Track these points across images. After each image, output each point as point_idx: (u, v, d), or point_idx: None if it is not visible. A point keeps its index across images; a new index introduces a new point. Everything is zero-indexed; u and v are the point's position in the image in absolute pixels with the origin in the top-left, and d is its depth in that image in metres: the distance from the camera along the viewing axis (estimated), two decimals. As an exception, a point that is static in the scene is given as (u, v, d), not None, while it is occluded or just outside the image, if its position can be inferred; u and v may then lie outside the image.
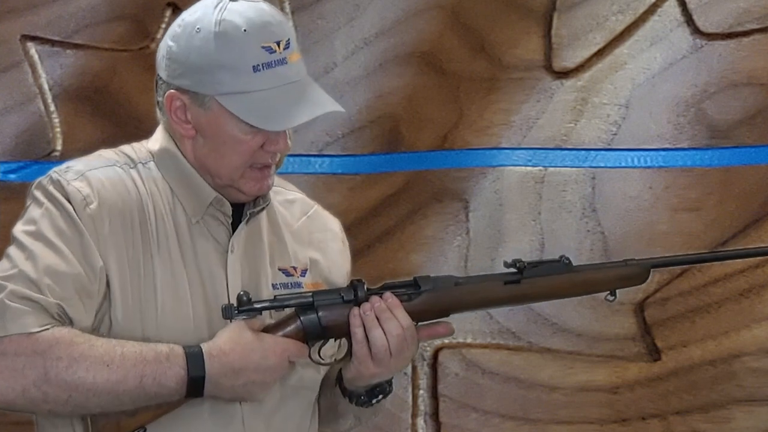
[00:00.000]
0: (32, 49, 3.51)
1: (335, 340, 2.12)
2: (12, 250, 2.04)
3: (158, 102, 2.13)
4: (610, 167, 3.47)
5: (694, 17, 3.45)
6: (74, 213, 2.04)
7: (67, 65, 3.52)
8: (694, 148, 3.46)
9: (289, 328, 2.07)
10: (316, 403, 2.22)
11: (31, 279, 1.99)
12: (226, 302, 2.07)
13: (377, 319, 2.08)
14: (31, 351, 1.97)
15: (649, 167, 3.46)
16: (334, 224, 2.30)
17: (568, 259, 2.21)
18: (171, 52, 2.10)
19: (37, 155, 3.50)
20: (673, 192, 3.46)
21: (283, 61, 2.06)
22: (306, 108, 2.07)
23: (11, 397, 2.00)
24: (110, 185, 2.07)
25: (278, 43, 2.06)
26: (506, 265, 2.19)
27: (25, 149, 3.50)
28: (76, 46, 3.51)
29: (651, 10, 3.48)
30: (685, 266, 3.43)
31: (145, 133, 3.68)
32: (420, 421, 3.48)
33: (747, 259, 3.42)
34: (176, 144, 2.13)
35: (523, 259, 2.20)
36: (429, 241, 3.50)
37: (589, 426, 3.46)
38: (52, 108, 3.51)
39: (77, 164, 2.11)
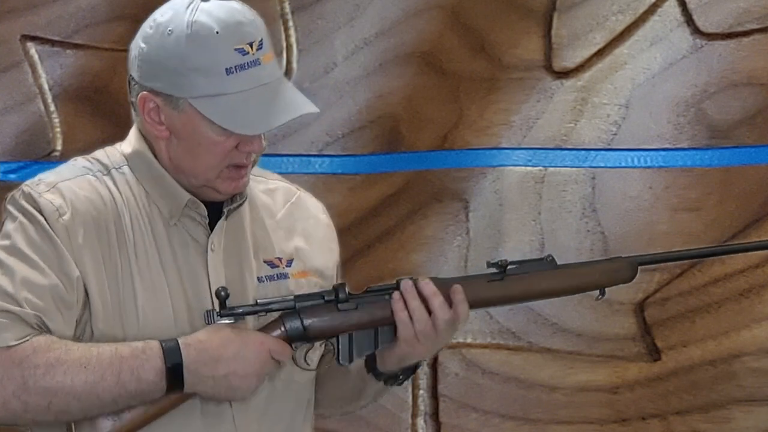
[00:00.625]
0: (32, 49, 3.51)
1: (321, 344, 2.12)
2: None
3: (132, 102, 2.12)
4: (610, 167, 3.47)
5: (694, 17, 3.45)
6: (47, 225, 2.03)
7: (67, 65, 3.52)
8: (694, 148, 3.46)
9: (273, 334, 2.07)
10: (311, 399, 2.22)
11: (8, 293, 1.99)
12: (209, 301, 2.07)
13: (420, 295, 2.09)
14: (9, 363, 1.97)
15: (649, 167, 3.46)
16: (318, 210, 2.28)
17: (552, 257, 2.20)
18: (143, 54, 2.08)
19: (37, 155, 3.50)
20: (673, 192, 3.46)
21: (256, 62, 2.04)
22: (280, 111, 2.06)
23: None
24: (83, 195, 2.07)
25: (251, 45, 2.04)
26: (489, 264, 2.18)
27: (25, 149, 3.50)
28: (76, 46, 3.51)
29: (651, 10, 3.48)
30: (685, 266, 3.43)
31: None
32: (420, 421, 3.48)
33: (747, 260, 3.42)
34: (150, 145, 2.12)
35: (509, 259, 2.19)
36: (429, 241, 3.50)
37: (589, 426, 3.46)
38: (52, 108, 3.51)
39: (49, 176, 2.10)
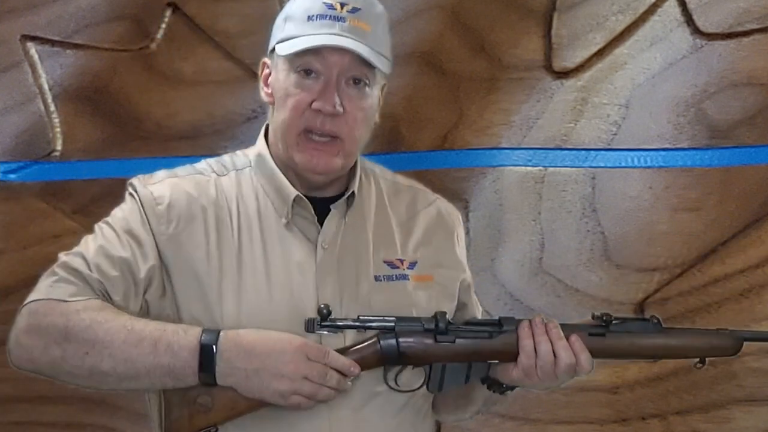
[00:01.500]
0: (32, 49, 3.51)
1: (413, 368, 2.13)
2: (85, 236, 2.19)
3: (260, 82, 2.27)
4: (610, 167, 3.47)
5: (694, 17, 3.45)
6: (142, 210, 2.16)
7: (67, 65, 3.52)
8: (694, 148, 3.46)
9: (368, 351, 2.10)
10: (425, 404, 2.24)
11: (85, 256, 2.13)
12: (313, 299, 2.12)
13: (546, 334, 2.13)
14: (59, 313, 2.06)
15: (649, 167, 3.46)
16: (453, 220, 2.34)
17: (658, 319, 2.20)
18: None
19: (37, 155, 3.50)
20: (673, 192, 3.46)
21: (340, 18, 2.14)
22: (332, 41, 2.12)
23: (36, 354, 2.07)
24: (186, 191, 2.18)
25: (342, 5, 2.13)
26: (594, 317, 2.20)
27: (25, 149, 3.51)
28: (76, 46, 3.51)
29: (651, 10, 3.48)
30: (685, 266, 3.44)
31: (145, 132, 3.69)
32: (420, 421, 3.48)
33: (747, 260, 3.42)
34: (269, 147, 2.22)
35: (612, 314, 2.19)
36: (429, 241, 3.49)
37: (589, 426, 3.46)
38: (52, 108, 3.51)
39: (164, 172, 2.25)
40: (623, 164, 3.47)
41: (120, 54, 3.52)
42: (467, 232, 3.49)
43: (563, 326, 2.16)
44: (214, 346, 2.03)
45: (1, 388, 3.42)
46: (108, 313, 2.06)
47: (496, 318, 2.16)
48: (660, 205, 3.46)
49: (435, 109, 3.50)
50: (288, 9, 2.19)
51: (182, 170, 2.24)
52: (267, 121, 2.28)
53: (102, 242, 2.14)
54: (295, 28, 2.15)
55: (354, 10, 2.14)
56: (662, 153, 3.46)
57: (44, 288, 2.11)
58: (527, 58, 3.49)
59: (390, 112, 3.50)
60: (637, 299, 3.44)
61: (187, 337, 2.04)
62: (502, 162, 3.49)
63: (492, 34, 3.49)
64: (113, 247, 2.13)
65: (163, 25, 3.51)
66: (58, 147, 3.51)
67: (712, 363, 3.43)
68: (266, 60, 2.23)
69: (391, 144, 3.51)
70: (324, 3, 2.14)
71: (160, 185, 2.19)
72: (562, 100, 3.49)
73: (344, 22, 2.13)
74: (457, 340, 2.12)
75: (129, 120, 3.50)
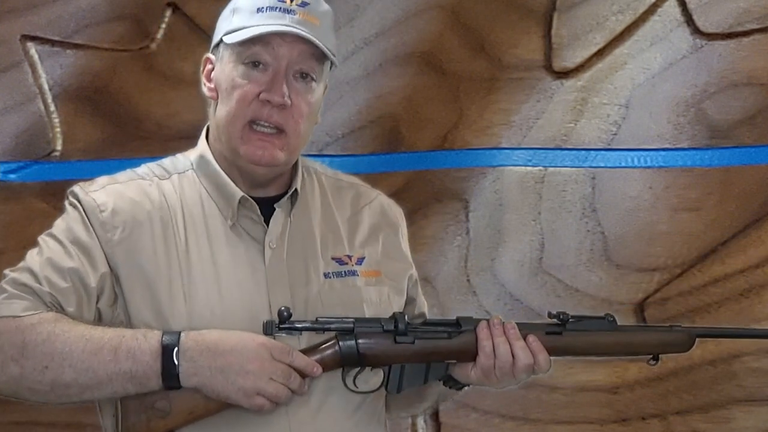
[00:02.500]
0: (32, 49, 3.51)
1: (371, 369, 2.13)
2: (30, 250, 2.15)
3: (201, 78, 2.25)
4: (610, 167, 3.47)
5: (694, 17, 3.45)
6: (86, 218, 2.12)
7: (67, 65, 3.52)
8: (694, 148, 3.46)
9: (327, 352, 2.09)
10: (379, 404, 2.24)
11: (33, 270, 2.09)
12: (266, 299, 2.11)
13: (505, 335, 2.13)
14: (13, 329, 2.03)
15: (649, 167, 3.46)
16: (396, 215, 2.34)
17: (613, 317, 2.21)
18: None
19: (37, 155, 3.50)
20: (673, 192, 3.46)
21: (289, 11, 2.14)
22: (289, 30, 2.12)
23: None
24: (129, 197, 2.15)
25: None
26: (550, 315, 2.20)
27: (25, 149, 3.51)
28: (76, 46, 3.51)
29: (651, 10, 3.48)
30: (685, 266, 3.44)
31: (145, 132, 3.69)
32: (420, 421, 3.48)
33: (747, 260, 3.43)
34: (211, 148, 2.20)
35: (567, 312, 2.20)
36: (429, 241, 3.49)
37: (589, 426, 3.46)
38: (52, 108, 3.51)
39: (105, 178, 2.21)
40: (623, 164, 3.47)
41: (120, 54, 3.52)
42: (467, 232, 3.49)
43: (521, 325, 2.16)
44: (176, 348, 2.01)
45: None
46: (64, 324, 2.03)
47: (454, 318, 2.16)
48: (660, 205, 3.46)
49: (435, 109, 3.50)
50: (235, 2, 2.19)
51: (123, 176, 2.21)
52: (207, 123, 2.25)
53: (49, 255, 2.10)
54: (244, 20, 2.14)
55: (303, 4, 2.14)
56: (662, 153, 3.46)
57: None
58: (527, 58, 3.49)
59: (390, 112, 3.51)
60: (637, 299, 3.44)
61: (147, 341, 2.02)
62: (502, 162, 3.49)
63: (492, 34, 3.49)
64: (61, 258, 2.09)
65: (163, 25, 3.51)
66: (58, 147, 3.51)
67: (713, 363, 3.43)
68: (210, 56, 2.21)
69: (391, 144, 3.51)
70: None
71: (102, 192, 2.16)
72: (562, 100, 3.49)
73: (294, 14, 2.13)
74: (417, 341, 2.12)
75: (129, 120, 3.50)
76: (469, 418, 3.47)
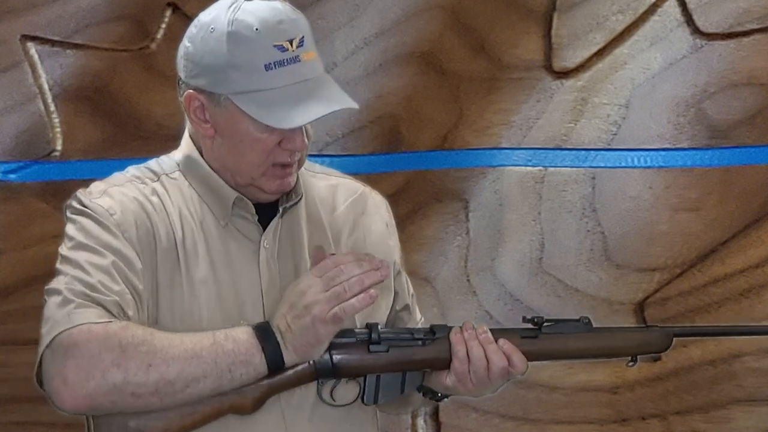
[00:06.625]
0: (32, 49, 3.51)
1: (347, 381, 2.13)
2: (61, 266, 2.07)
3: (181, 103, 2.18)
4: (610, 167, 3.47)
5: (694, 17, 3.45)
6: (101, 222, 2.08)
7: (67, 65, 3.52)
8: (694, 148, 3.46)
9: (301, 367, 2.07)
10: (367, 411, 2.23)
11: (86, 281, 2.02)
12: (260, 298, 2.11)
13: (477, 339, 2.13)
14: (103, 335, 1.97)
15: (649, 167, 3.46)
16: (380, 206, 2.32)
17: (588, 319, 2.20)
18: (188, 53, 2.14)
19: (37, 155, 3.50)
20: (673, 192, 3.46)
21: (296, 59, 2.07)
22: (318, 105, 2.08)
23: (91, 387, 1.97)
24: (131, 197, 2.12)
25: (291, 42, 2.07)
26: (525, 320, 2.20)
27: (25, 149, 3.51)
28: (76, 46, 3.51)
29: (651, 10, 3.48)
30: (685, 266, 3.44)
31: (145, 132, 3.70)
32: (420, 421, 3.48)
33: (747, 260, 3.43)
34: (198, 148, 2.17)
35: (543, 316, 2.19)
36: (429, 241, 3.49)
37: (589, 426, 3.46)
38: (52, 108, 3.51)
39: (99, 184, 2.16)
40: (623, 164, 3.47)
41: (120, 54, 3.52)
42: (467, 232, 3.49)
43: (496, 331, 2.15)
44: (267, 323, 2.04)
45: (1, 388, 3.41)
46: (143, 327, 2.01)
47: (428, 326, 2.16)
48: (660, 205, 3.46)
49: (435, 109, 3.50)
50: (230, 57, 2.06)
51: (118, 178, 2.17)
52: (187, 129, 2.21)
53: (90, 262, 2.04)
54: (255, 81, 2.06)
55: (301, 43, 2.08)
56: (662, 153, 3.46)
57: (63, 318, 1.99)
58: (527, 58, 3.49)
59: (390, 112, 3.51)
60: (637, 299, 3.44)
61: (234, 329, 2.03)
62: (502, 162, 3.49)
63: (492, 34, 3.49)
64: (102, 262, 2.04)
65: (163, 25, 3.51)
66: (58, 147, 3.51)
67: (712, 363, 3.43)
68: (196, 94, 2.12)
69: (391, 144, 3.51)
70: (275, 46, 2.06)
71: (105, 197, 2.11)
72: (562, 100, 3.49)
73: (299, 62, 2.07)
74: (390, 350, 2.11)
75: (129, 120, 3.50)
76: (469, 418, 3.47)
